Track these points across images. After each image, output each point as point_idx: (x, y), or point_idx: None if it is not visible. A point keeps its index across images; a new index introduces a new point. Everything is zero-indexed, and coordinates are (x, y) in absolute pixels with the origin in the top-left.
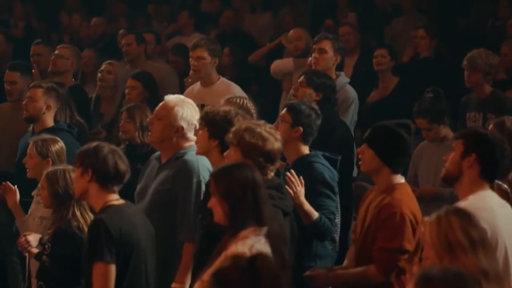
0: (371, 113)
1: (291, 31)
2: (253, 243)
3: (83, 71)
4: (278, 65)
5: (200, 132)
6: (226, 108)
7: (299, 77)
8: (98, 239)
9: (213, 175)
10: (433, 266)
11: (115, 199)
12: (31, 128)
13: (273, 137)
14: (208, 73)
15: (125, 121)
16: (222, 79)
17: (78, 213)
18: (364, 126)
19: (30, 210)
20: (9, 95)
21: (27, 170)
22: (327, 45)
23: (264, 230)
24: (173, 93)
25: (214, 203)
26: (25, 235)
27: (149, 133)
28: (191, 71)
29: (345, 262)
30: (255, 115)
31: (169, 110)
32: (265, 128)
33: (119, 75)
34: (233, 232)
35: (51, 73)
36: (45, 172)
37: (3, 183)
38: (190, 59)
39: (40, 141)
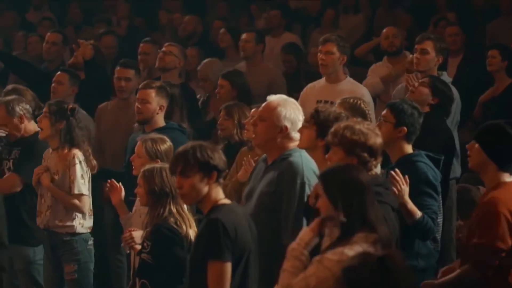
0: (482, 112)
1: (387, 28)
2: (362, 250)
3: (187, 70)
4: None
5: (307, 130)
6: (338, 110)
7: (423, 77)
8: (217, 238)
9: (321, 176)
10: None
11: (223, 197)
12: (135, 124)
13: (373, 132)
14: (335, 69)
15: (223, 118)
16: (349, 78)
17: (174, 210)
18: (476, 124)
19: (134, 208)
20: (121, 92)
21: (133, 168)
22: (429, 45)
23: (374, 236)
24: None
25: (322, 204)
26: (129, 231)
27: (253, 135)
28: None
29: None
30: (369, 117)
31: (272, 111)
32: (363, 125)
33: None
34: (342, 236)
35: (158, 69)
36: (141, 170)
37: (109, 180)
38: (319, 53)
39: (149, 141)
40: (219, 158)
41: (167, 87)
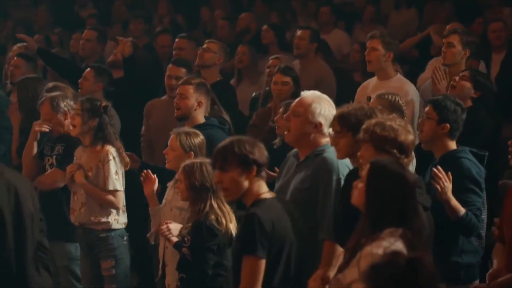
0: None
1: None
2: (388, 244)
3: (238, 67)
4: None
5: (343, 139)
6: (358, 105)
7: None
8: (252, 233)
9: (370, 166)
10: None
11: (266, 191)
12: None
13: (404, 129)
14: (381, 66)
15: (281, 116)
16: (399, 75)
17: (215, 205)
18: None
19: (164, 201)
20: (171, 90)
21: (167, 161)
22: (455, 39)
23: (400, 231)
24: (331, 93)
25: (360, 188)
26: (166, 223)
27: (286, 131)
28: None
29: (495, 262)
30: (405, 113)
31: (306, 107)
32: (395, 121)
33: None
34: (370, 231)
35: (197, 66)
36: (182, 165)
37: (144, 171)
38: (366, 50)
39: (184, 134)
40: (259, 152)
41: (206, 83)
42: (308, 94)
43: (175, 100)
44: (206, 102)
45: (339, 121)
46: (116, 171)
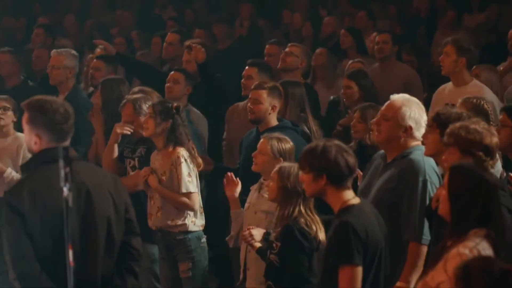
0: None
1: None
2: (474, 245)
3: (313, 70)
4: None
5: (431, 134)
6: (459, 110)
7: None
8: (347, 242)
9: (451, 170)
10: None
11: (351, 197)
12: None
13: (489, 132)
14: (454, 71)
15: (357, 121)
16: (476, 81)
17: (303, 210)
18: None
19: (247, 204)
20: (244, 89)
21: (254, 164)
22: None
23: (484, 231)
24: (419, 95)
25: (443, 196)
26: (249, 229)
27: (376, 133)
28: None
29: None
30: (492, 117)
31: (396, 110)
32: (479, 124)
33: None
34: (455, 234)
35: (280, 70)
36: (278, 166)
37: (229, 173)
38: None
39: (275, 140)
40: (345, 159)
41: (280, 87)
42: (397, 98)
43: (248, 104)
44: (280, 105)
45: (434, 116)
46: (189, 173)
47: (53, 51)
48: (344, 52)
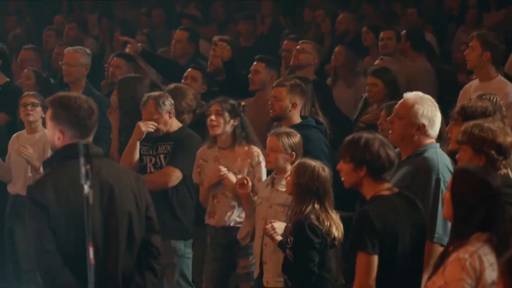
0: None
1: None
2: (475, 249)
3: (335, 67)
4: None
5: (456, 128)
6: (484, 104)
7: None
8: (361, 230)
9: (454, 173)
10: None
11: (386, 188)
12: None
13: (503, 131)
14: (480, 66)
15: (384, 119)
16: (501, 77)
17: (317, 207)
18: None
19: (259, 200)
20: (251, 84)
21: (267, 162)
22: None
23: (486, 235)
24: (428, 91)
25: (447, 199)
26: (271, 222)
27: (390, 132)
28: None
29: None
30: (506, 114)
31: (409, 108)
32: (493, 123)
33: None
34: (456, 238)
35: (293, 66)
36: (298, 161)
37: (240, 176)
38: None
39: (285, 135)
40: (387, 152)
41: (301, 83)
42: (410, 96)
43: (269, 102)
44: (301, 102)
45: (459, 110)
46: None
47: (68, 49)
48: (365, 49)
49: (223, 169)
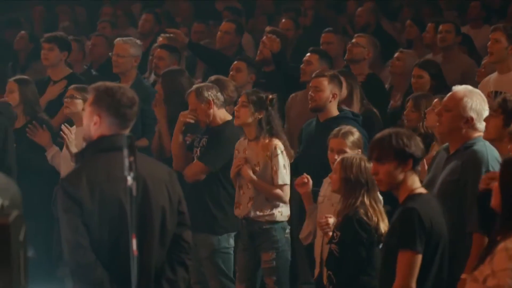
0: None
1: None
2: None
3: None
4: None
5: (494, 119)
6: None
7: None
8: (410, 227)
9: (503, 163)
10: None
11: (419, 186)
12: None
13: None
14: (503, 58)
15: (410, 110)
16: None
17: (367, 202)
18: None
19: (321, 198)
20: (303, 74)
21: (332, 164)
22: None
23: None
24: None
25: (495, 189)
26: (326, 217)
27: (438, 124)
28: None
29: None
30: None
31: (458, 101)
32: None
33: (408, 62)
34: (504, 228)
35: (347, 60)
36: (341, 157)
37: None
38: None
39: (349, 135)
40: (415, 145)
41: (339, 75)
42: (459, 89)
43: (309, 92)
44: (340, 94)
45: (501, 102)
46: (284, 164)
47: (118, 39)
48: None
49: (241, 160)
